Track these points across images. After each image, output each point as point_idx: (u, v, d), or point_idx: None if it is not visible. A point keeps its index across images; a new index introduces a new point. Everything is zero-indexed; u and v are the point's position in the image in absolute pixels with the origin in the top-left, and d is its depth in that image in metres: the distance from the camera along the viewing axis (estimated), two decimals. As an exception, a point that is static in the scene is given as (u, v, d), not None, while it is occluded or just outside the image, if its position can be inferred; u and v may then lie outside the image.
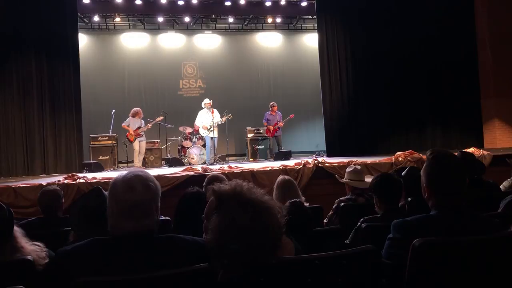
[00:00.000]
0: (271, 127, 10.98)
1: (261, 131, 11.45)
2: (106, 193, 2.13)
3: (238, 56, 13.73)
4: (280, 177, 3.83)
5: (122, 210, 1.62)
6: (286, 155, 10.02)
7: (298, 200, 3.04)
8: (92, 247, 1.60)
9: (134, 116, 9.73)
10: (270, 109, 11.11)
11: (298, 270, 1.59)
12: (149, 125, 9.87)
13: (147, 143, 10.10)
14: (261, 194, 1.59)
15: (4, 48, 8.88)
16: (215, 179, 3.50)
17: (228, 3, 12.03)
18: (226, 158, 10.60)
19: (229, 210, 1.53)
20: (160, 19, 12.61)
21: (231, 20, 13.14)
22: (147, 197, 1.65)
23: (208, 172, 6.54)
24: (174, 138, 11.22)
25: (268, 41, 14.02)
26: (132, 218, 1.61)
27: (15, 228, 2.08)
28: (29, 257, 1.97)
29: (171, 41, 13.41)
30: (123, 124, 9.72)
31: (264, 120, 11.16)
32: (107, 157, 9.88)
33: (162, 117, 10.28)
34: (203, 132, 10.32)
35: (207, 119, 10.27)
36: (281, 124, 11.02)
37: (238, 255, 1.49)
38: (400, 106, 10.66)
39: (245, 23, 13.62)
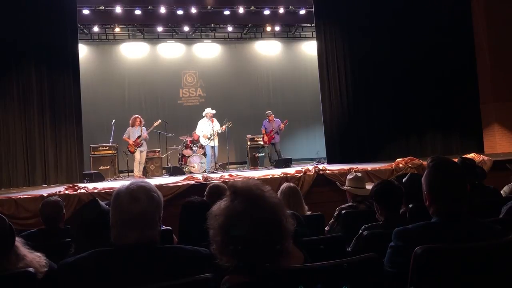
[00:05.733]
0: (266, 136, 11.00)
1: (257, 140, 11.45)
2: (103, 204, 2.13)
3: (237, 64, 13.79)
4: (285, 184, 3.84)
5: (126, 221, 1.62)
6: (287, 163, 10.02)
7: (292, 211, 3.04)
8: (95, 259, 1.60)
9: (133, 125, 9.71)
10: (267, 118, 11.16)
11: (300, 278, 1.58)
12: (147, 132, 9.80)
13: (147, 152, 10.08)
14: (271, 191, 1.64)
15: (5, 59, 8.91)
16: (216, 188, 3.50)
17: (227, 12, 12.10)
18: (227, 167, 10.61)
19: (244, 200, 1.55)
20: (160, 28, 12.68)
21: (230, 29, 13.22)
22: (151, 208, 1.66)
23: (209, 180, 6.55)
24: (174, 147, 11.23)
25: (267, 49, 14.08)
26: (136, 229, 1.62)
27: (16, 238, 2.09)
28: (31, 269, 1.97)
29: (171, 51, 13.47)
30: (124, 137, 9.70)
31: (262, 127, 11.19)
32: (108, 167, 9.87)
33: (159, 121, 10.25)
34: (203, 141, 10.31)
35: (207, 128, 10.27)
36: (282, 126, 10.98)
37: (245, 244, 1.49)
38: (399, 113, 10.68)
39: (244, 32, 13.69)
